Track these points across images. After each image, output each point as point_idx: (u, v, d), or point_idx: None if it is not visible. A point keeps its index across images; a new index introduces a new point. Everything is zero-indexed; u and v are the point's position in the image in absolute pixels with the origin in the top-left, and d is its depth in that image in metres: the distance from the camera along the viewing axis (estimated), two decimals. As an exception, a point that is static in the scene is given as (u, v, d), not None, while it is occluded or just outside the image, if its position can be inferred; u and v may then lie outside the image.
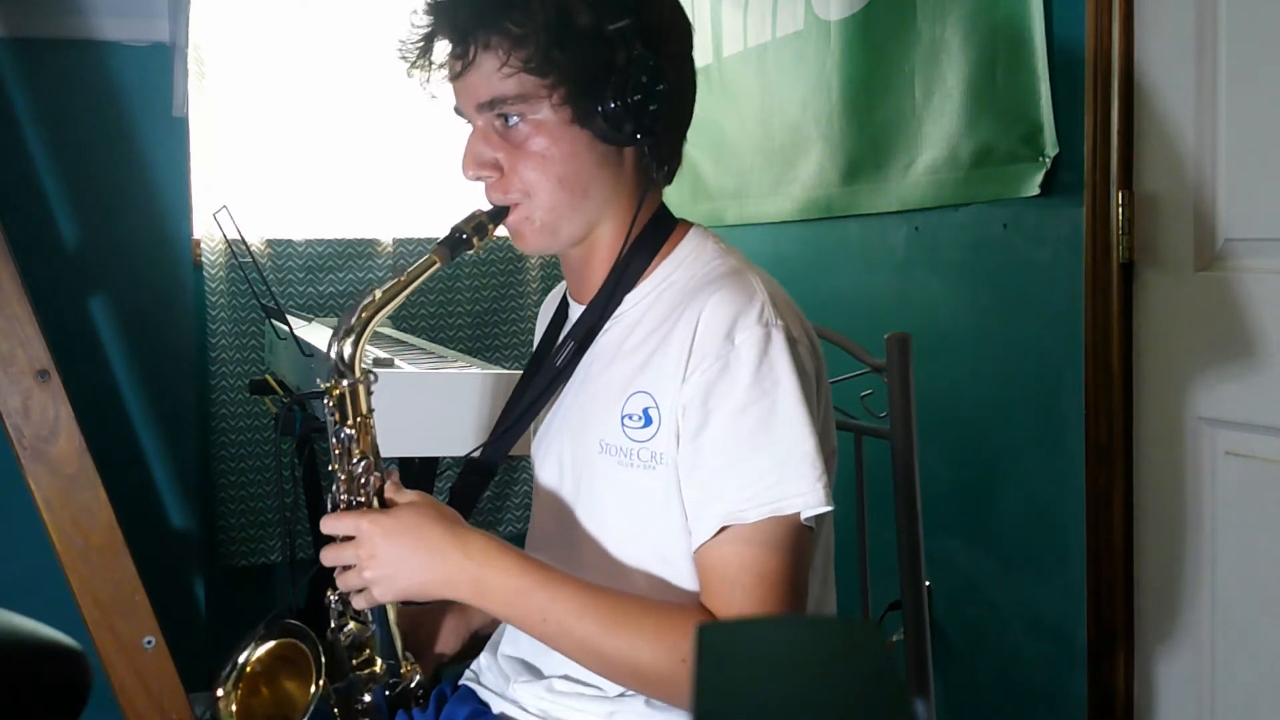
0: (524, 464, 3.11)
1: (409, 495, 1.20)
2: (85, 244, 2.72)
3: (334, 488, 1.21)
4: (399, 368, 2.02)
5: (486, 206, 1.23)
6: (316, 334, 2.35)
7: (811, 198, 2.59)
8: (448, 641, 1.39)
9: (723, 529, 1.12)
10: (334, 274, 3.15)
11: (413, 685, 1.29)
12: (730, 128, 2.90)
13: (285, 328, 2.25)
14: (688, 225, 1.29)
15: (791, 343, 1.13)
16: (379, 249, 3.20)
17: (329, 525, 1.18)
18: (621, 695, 1.20)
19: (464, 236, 1.19)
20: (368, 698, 1.26)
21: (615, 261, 1.25)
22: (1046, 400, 2.00)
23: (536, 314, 1.56)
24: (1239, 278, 1.70)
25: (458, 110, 1.23)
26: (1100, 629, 1.90)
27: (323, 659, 1.23)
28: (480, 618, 1.40)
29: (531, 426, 1.36)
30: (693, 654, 0.52)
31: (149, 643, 1.69)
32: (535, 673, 1.27)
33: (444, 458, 2.79)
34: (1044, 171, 1.93)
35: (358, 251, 3.18)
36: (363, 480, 1.19)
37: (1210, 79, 1.72)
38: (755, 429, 1.11)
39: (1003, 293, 2.10)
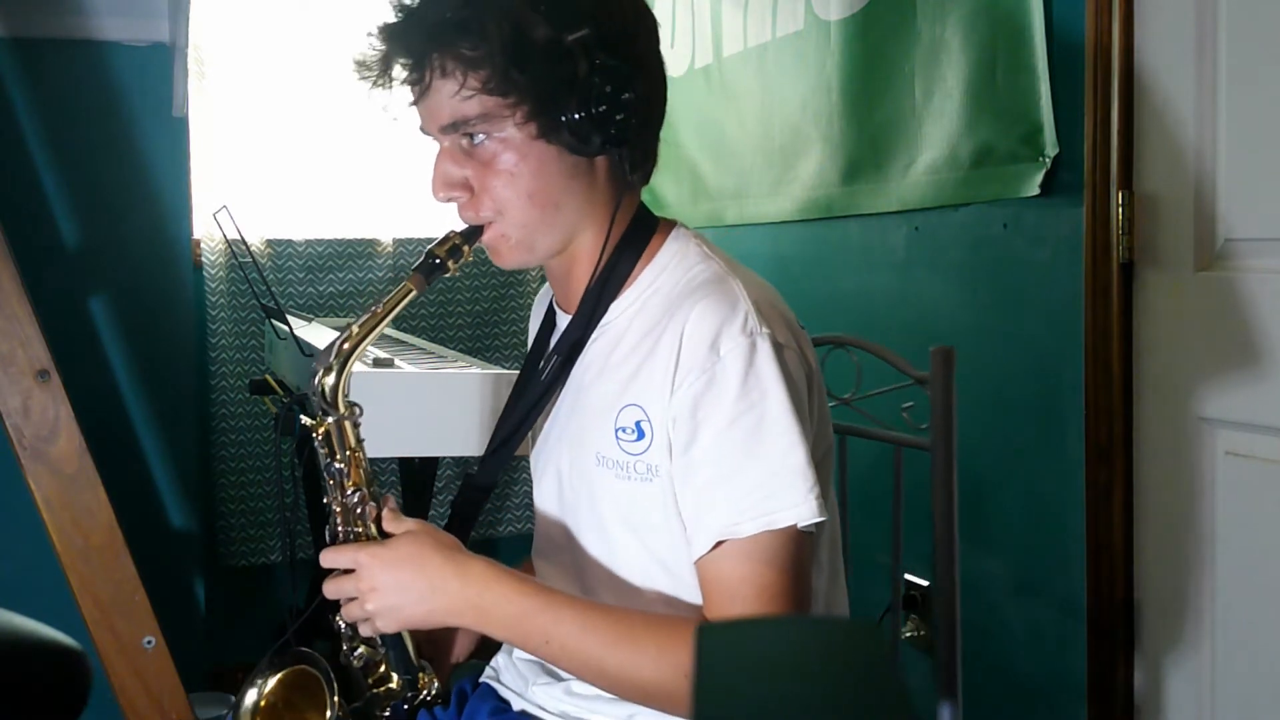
0: (523, 465, 3.11)
1: (407, 524, 1.20)
2: (85, 244, 2.72)
3: (330, 521, 1.22)
4: (399, 368, 2.02)
5: (460, 225, 1.22)
6: (316, 334, 2.35)
7: (811, 198, 2.59)
8: (463, 645, 1.40)
9: (719, 543, 1.12)
10: (334, 274, 3.15)
11: (431, 695, 1.30)
12: (730, 128, 2.90)
13: (285, 328, 2.25)
14: (669, 225, 1.27)
15: (778, 349, 1.12)
16: (379, 249, 3.20)
17: (329, 559, 1.19)
18: None
19: (439, 261, 1.19)
20: (387, 713, 1.28)
21: (599, 269, 1.23)
22: (1046, 400, 2.00)
23: (537, 314, 1.55)
24: (1239, 278, 1.70)
25: (423, 130, 1.21)
26: (1100, 629, 1.90)
27: (334, 681, 1.24)
28: None
29: (529, 434, 1.36)
30: (693, 655, 0.52)
31: (149, 643, 1.70)
32: (553, 675, 1.27)
33: (443, 457, 2.78)
34: (1044, 171, 1.93)
35: (358, 251, 3.18)
36: (359, 511, 1.20)
37: (1210, 79, 1.72)
38: (745, 441, 1.11)
39: (1003, 293, 2.10)
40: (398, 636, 1.26)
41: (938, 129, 2.17)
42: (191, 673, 1.72)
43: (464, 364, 2.17)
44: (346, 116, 3.14)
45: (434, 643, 1.36)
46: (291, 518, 2.85)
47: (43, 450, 1.68)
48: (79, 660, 1.76)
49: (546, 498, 1.31)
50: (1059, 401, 1.97)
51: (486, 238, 1.21)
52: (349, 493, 1.19)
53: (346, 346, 1.17)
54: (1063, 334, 1.94)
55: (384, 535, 1.20)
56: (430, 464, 2.45)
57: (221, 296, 3.01)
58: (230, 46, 3.05)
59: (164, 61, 2.75)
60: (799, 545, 1.12)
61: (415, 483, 2.44)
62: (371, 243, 3.19)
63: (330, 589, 1.18)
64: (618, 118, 1.14)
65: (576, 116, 1.13)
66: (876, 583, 1.97)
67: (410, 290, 1.18)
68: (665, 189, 3.19)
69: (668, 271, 1.23)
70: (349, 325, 1.17)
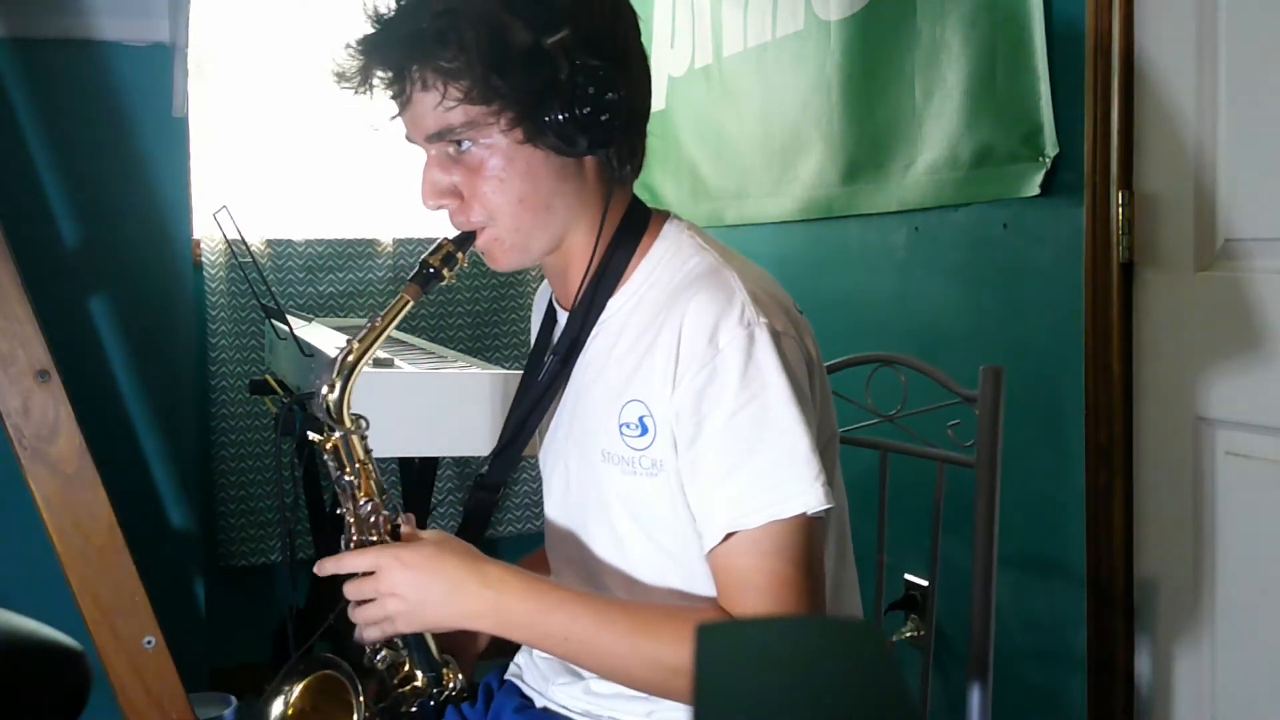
0: (523, 464, 3.11)
1: (425, 533, 1.22)
2: (85, 244, 2.72)
3: (345, 532, 1.23)
4: (399, 368, 2.02)
5: (453, 233, 1.22)
6: (316, 334, 2.35)
7: (812, 198, 2.59)
8: (484, 637, 1.40)
9: (730, 535, 1.12)
10: (334, 274, 3.15)
11: (456, 690, 1.30)
12: (730, 128, 2.90)
13: (285, 328, 2.25)
14: (663, 217, 1.27)
15: (776, 338, 1.12)
16: (379, 249, 3.20)
17: (348, 562, 1.19)
18: None
19: (433, 270, 1.19)
20: (414, 709, 1.28)
21: (593, 265, 1.23)
22: (1046, 400, 2.00)
23: (537, 314, 1.55)
24: (1239, 278, 1.70)
25: (409, 139, 1.21)
26: (1100, 629, 1.90)
27: (359, 684, 1.25)
28: None
29: (536, 433, 1.36)
30: (693, 655, 0.52)
31: (149, 643, 1.69)
32: (573, 674, 1.27)
33: (444, 458, 2.78)
34: (1044, 171, 1.93)
35: (358, 251, 3.18)
36: (372, 520, 1.21)
37: (1210, 79, 1.72)
38: (749, 433, 1.11)
39: (1003, 293, 2.10)
40: (419, 635, 1.27)
41: (938, 129, 2.17)
42: (191, 673, 1.72)
43: (464, 364, 2.17)
44: (346, 116, 3.14)
45: (455, 637, 1.36)
46: (291, 518, 2.85)
47: (43, 450, 1.68)
48: (79, 660, 1.76)
49: (555, 496, 1.32)
50: (1059, 402, 1.97)
51: (480, 243, 1.21)
52: (361, 503, 1.21)
53: (349, 360, 1.18)
54: (1063, 334, 1.94)
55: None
56: (430, 464, 2.44)
57: (221, 296, 3.01)
58: (230, 46, 3.05)
59: (164, 61, 2.75)
60: (808, 533, 1.12)
61: (415, 483, 2.44)
62: (371, 243, 3.19)
63: (351, 590, 1.19)
64: (603, 117, 1.13)
65: (561, 119, 1.12)
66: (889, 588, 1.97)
67: (407, 302, 1.18)
68: (665, 189, 3.19)
69: (663, 265, 1.23)
70: (349, 341, 1.18)
